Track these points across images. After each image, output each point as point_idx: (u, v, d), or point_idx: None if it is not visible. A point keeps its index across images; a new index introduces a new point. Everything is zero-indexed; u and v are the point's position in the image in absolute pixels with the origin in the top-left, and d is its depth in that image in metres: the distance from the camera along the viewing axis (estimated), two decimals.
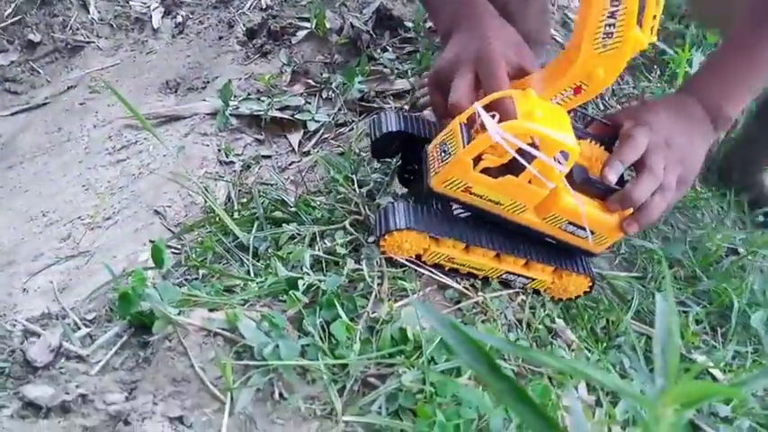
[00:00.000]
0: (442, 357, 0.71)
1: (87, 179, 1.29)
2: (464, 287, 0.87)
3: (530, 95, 0.74)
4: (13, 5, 1.92)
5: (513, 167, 0.75)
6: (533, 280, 0.89)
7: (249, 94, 1.35)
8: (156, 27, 1.81)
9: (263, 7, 1.66)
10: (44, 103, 1.70)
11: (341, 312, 0.73)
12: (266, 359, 0.68)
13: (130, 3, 1.95)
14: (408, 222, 0.80)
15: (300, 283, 0.79)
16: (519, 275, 0.88)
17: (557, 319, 0.89)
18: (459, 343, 0.40)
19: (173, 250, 1.02)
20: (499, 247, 0.85)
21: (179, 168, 1.17)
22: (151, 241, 1.02)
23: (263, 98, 1.32)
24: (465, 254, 0.85)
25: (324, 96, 1.34)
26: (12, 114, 1.72)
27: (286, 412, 0.65)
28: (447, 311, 0.81)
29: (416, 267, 0.85)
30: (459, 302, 0.84)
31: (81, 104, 1.59)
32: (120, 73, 1.69)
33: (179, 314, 0.72)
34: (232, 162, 1.20)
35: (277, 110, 1.30)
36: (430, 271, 0.87)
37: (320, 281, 0.79)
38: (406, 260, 0.85)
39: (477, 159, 0.76)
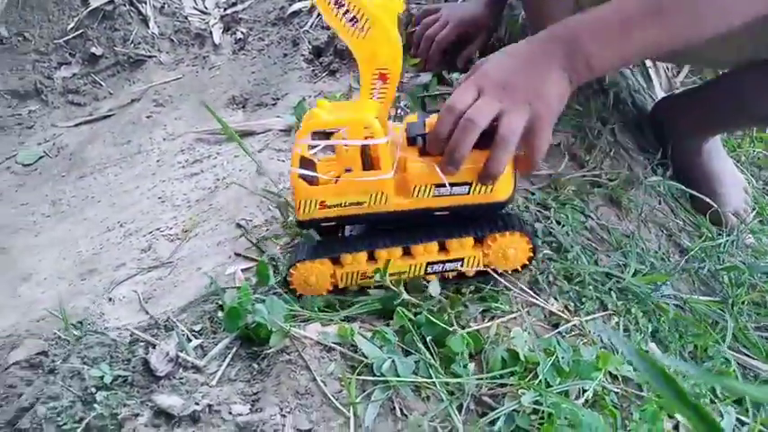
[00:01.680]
0: (555, 380, 0.71)
1: (163, 191, 1.31)
2: (558, 309, 0.88)
3: (323, 105, 0.78)
4: (75, 19, 1.97)
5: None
6: (463, 260, 0.83)
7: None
8: (217, 43, 1.85)
9: (326, 26, 1.69)
10: (108, 115, 1.74)
11: (451, 328, 0.74)
12: (385, 375, 0.69)
13: (189, 19, 2.00)
14: (303, 255, 0.83)
15: (396, 301, 0.80)
16: (444, 262, 0.83)
17: (649, 343, 0.89)
18: (647, 369, 0.41)
19: (257, 264, 1.04)
20: (398, 241, 0.83)
21: (257, 183, 1.19)
22: (238, 254, 1.04)
23: None
24: (373, 263, 0.83)
25: (391, 116, 1.35)
26: (76, 125, 1.76)
27: (408, 428, 0.66)
28: (548, 335, 0.82)
29: (507, 286, 0.86)
30: (557, 325, 0.85)
31: (148, 117, 1.62)
32: (183, 87, 1.73)
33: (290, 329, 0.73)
34: None
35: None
36: (520, 289, 0.87)
37: (417, 302, 0.80)
38: (328, 293, 0.85)
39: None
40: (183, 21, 1.98)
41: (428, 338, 0.75)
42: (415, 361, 0.72)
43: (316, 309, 0.81)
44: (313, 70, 1.51)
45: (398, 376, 0.69)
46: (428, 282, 0.83)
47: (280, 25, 1.84)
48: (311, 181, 0.80)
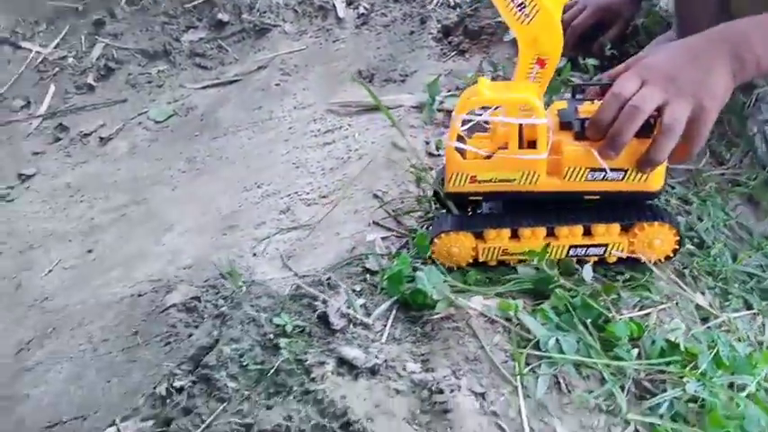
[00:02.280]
0: (715, 372, 0.72)
1: (297, 158, 1.37)
2: (705, 303, 0.88)
3: (484, 82, 0.79)
4: None
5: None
6: (608, 246, 0.83)
7: (451, 91, 1.39)
8: (341, 17, 1.89)
9: (452, 5, 1.70)
10: (235, 80, 1.82)
11: (609, 314, 0.76)
12: (549, 351, 0.72)
13: None
14: (447, 226, 0.85)
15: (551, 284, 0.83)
16: (588, 246, 0.83)
17: None
18: None
19: (394, 233, 1.08)
20: (544, 222, 0.83)
21: (391, 156, 1.23)
22: (376, 223, 1.08)
23: None
24: (516, 242, 0.84)
25: None
26: (203, 88, 1.85)
27: (573, 403, 0.69)
28: (697, 330, 0.82)
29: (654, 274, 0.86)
30: (705, 319, 0.86)
31: (276, 85, 1.68)
32: (308, 58, 1.78)
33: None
34: (441, 155, 1.25)
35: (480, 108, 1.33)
36: (669, 281, 0.88)
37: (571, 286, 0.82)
38: (468, 266, 0.87)
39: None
40: None
41: (587, 321, 0.77)
42: (576, 341, 0.74)
43: (471, 282, 0.84)
44: (441, 49, 1.53)
45: (563, 354, 0.72)
46: (580, 266, 0.85)
47: (402, 2, 1.86)
48: (463, 155, 0.82)
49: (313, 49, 1.81)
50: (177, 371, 0.77)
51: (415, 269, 0.83)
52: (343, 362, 0.69)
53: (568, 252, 0.85)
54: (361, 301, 0.82)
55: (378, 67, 1.59)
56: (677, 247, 0.85)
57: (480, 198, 0.86)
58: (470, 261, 0.87)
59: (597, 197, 0.81)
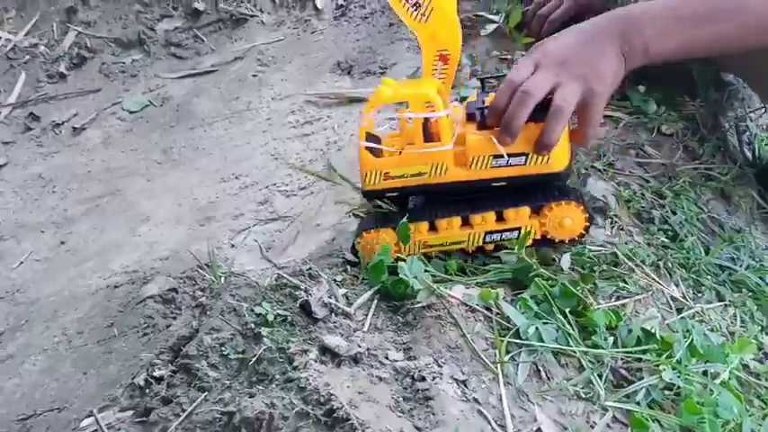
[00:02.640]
0: (689, 360, 0.74)
1: (275, 149, 1.36)
2: (679, 294, 0.90)
3: (388, 82, 0.82)
4: None
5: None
6: (520, 230, 0.85)
7: None
8: (319, 8, 1.88)
9: None
10: (211, 71, 1.79)
11: (589, 303, 0.78)
12: (530, 340, 0.73)
13: None
14: (369, 224, 0.89)
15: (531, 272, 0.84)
16: (502, 231, 0.86)
17: (765, 336, 0.91)
18: None
19: None
20: (457, 211, 0.86)
21: None
22: (356, 215, 1.08)
23: None
24: (435, 234, 0.87)
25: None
26: (179, 78, 1.82)
27: (552, 390, 0.70)
28: (672, 320, 0.84)
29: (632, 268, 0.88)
30: (680, 310, 0.88)
31: (254, 76, 1.67)
32: (286, 49, 1.77)
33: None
34: None
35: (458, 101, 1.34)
36: (644, 274, 0.90)
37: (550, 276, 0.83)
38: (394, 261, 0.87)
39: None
40: None
41: (566, 310, 0.78)
42: (555, 329, 0.75)
43: (452, 272, 0.85)
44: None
45: (542, 342, 0.73)
46: (558, 257, 0.87)
47: None
48: (376, 154, 0.84)
49: (291, 40, 1.80)
50: (156, 361, 0.76)
51: (397, 259, 0.83)
52: (325, 350, 0.69)
53: (484, 238, 0.87)
54: (342, 291, 0.82)
55: (357, 59, 1.59)
56: (587, 224, 0.87)
57: (396, 194, 0.87)
58: (394, 258, 0.87)
59: (504, 183, 0.83)
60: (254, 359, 0.69)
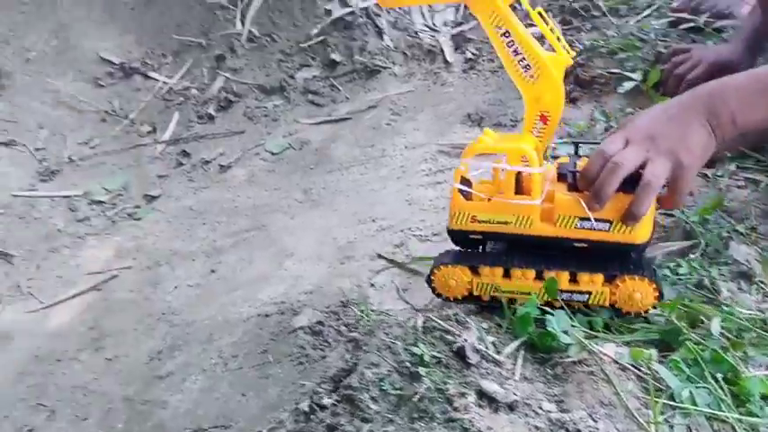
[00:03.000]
0: None
1: (409, 195, 1.44)
2: None
3: (489, 133, 0.89)
4: (318, 26, 2.19)
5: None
6: (591, 294, 0.87)
7: (562, 138, 1.43)
8: (449, 60, 1.97)
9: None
10: (346, 118, 1.92)
11: (743, 369, 0.77)
12: (684, 402, 0.74)
13: (420, 35, 2.15)
14: (447, 259, 0.92)
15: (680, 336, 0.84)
16: (573, 292, 0.87)
17: None
18: None
19: None
20: (535, 264, 0.87)
21: None
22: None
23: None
24: (508, 280, 0.89)
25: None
26: (317, 123, 1.96)
27: None
28: None
29: None
30: None
31: (387, 125, 1.77)
32: (417, 100, 1.87)
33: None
34: None
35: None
36: None
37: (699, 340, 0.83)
38: (463, 299, 0.93)
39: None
40: (414, 36, 2.13)
41: (717, 375, 0.78)
42: (707, 394, 0.76)
43: (597, 328, 0.87)
44: None
45: (695, 405, 0.74)
46: (707, 319, 0.87)
47: None
48: (467, 197, 0.89)
49: (421, 91, 1.90)
50: (319, 389, 0.83)
51: (542, 311, 0.87)
52: (482, 395, 0.74)
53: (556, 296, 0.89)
54: (490, 338, 0.86)
55: (487, 111, 1.65)
56: (656, 301, 0.87)
57: (480, 237, 0.91)
58: (465, 294, 0.93)
59: (585, 245, 0.86)
60: (415, 397, 0.74)
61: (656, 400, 0.73)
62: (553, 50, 0.86)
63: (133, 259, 1.63)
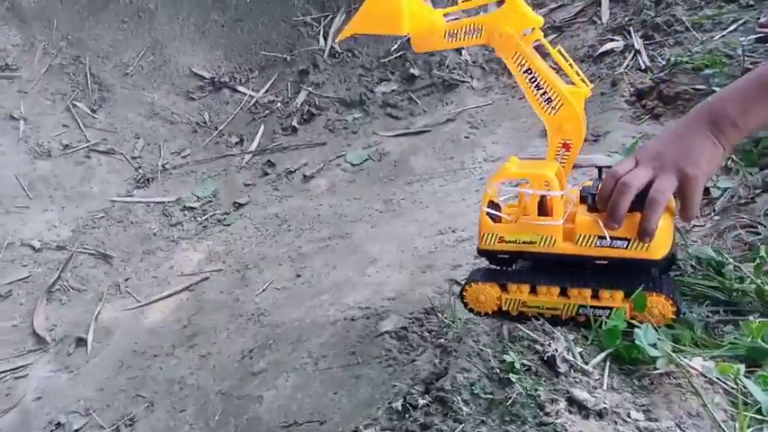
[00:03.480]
0: None
1: None
2: None
3: (514, 161, 0.94)
4: (398, 42, 2.25)
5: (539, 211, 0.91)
6: (611, 310, 0.90)
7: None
8: None
9: (644, 69, 1.75)
10: (424, 131, 1.97)
11: None
12: None
13: None
14: (478, 277, 0.98)
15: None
16: (594, 308, 0.91)
17: None
18: None
19: None
20: (559, 281, 0.92)
21: None
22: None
23: None
24: (534, 296, 0.94)
25: (725, 165, 1.37)
26: (395, 136, 2.02)
27: None
28: None
29: None
30: None
31: (466, 137, 1.81)
32: (495, 113, 1.90)
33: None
34: None
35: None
36: None
37: None
38: (493, 314, 0.98)
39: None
40: (491, 51, 2.17)
41: None
42: None
43: (684, 343, 0.88)
44: (634, 112, 1.59)
45: None
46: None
47: (589, 63, 1.93)
48: (495, 219, 0.95)
49: (500, 105, 1.93)
50: (412, 390, 0.88)
51: (629, 325, 0.89)
52: (572, 402, 0.77)
53: (578, 310, 0.93)
54: (577, 349, 0.89)
55: None
56: (674, 317, 0.89)
57: (507, 257, 0.97)
58: (495, 309, 0.98)
59: (606, 262, 0.90)
60: (508, 401, 0.78)
61: (744, 413, 0.74)
62: (572, 84, 0.91)
63: (223, 262, 1.73)
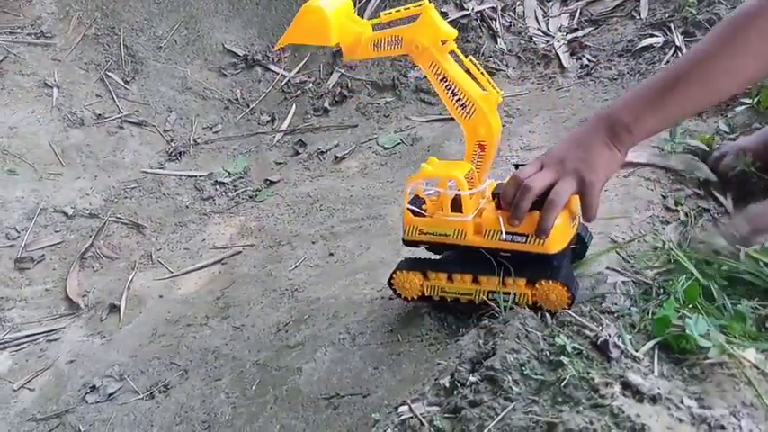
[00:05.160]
0: None
1: None
2: None
3: (433, 162, 1.04)
4: None
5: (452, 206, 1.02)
6: (516, 295, 1.01)
7: (685, 149, 1.43)
8: (565, 66, 1.99)
9: None
10: None
11: None
12: None
13: (534, 39, 2.17)
14: (403, 266, 1.10)
15: None
16: (501, 293, 1.02)
17: None
18: None
19: (631, 279, 1.14)
20: (472, 270, 1.04)
21: (625, 204, 1.30)
22: (613, 268, 1.15)
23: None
24: (450, 283, 1.06)
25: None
26: (428, 121, 2.02)
27: None
28: None
29: None
30: None
31: (502, 126, 1.81)
32: (531, 103, 1.90)
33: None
34: (676, 210, 1.30)
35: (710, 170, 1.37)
36: None
37: None
38: (418, 299, 1.10)
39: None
40: (528, 41, 2.16)
41: None
42: None
43: (736, 335, 0.89)
44: None
45: None
46: None
47: (628, 57, 1.93)
48: (416, 214, 1.05)
49: (536, 95, 1.93)
50: (459, 368, 0.89)
51: (681, 315, 0.90)
52: (626, 386, 0.78)
53: (488, 295, 1.04)
54: (628, 335, 0.89)
55: None
56: (569, 302, 0.99)
57: (427, 247, 1.09)
58: (419, 295, 1.10)
59: (509, 254, 1.01)
60: (562, 382, 0.79)
61: None
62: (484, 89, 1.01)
63: (255, 237, 1.75)
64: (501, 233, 0.99)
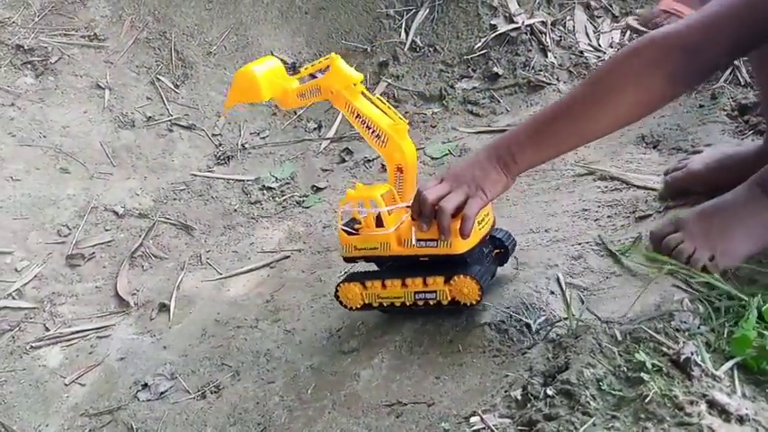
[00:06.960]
0: None
1: (584, 210, 1.46)
2: None
3: (359, 186, 1.18)
4: (482, 40, 2.25)
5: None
6: (437, 293, 1.13)
7: None
8: None
9: (743, 84, 1.71)
10: (506, 129, 1.97)
11: None
12: None
13: (585, 54, 2.16)
14: (344, 279, 1.23)
15: None
16: (426, 293, 1.14)
17: None
18: None
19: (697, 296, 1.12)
20: (399, 275, 1.16)
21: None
22: (677, 286, 1.13)
23: None
24: (384, 289, 1.18)
25: None
26: (476, 133, 2.02)
27: None
28: None
29: None
30: None
31: None
32: None
33: None
34: None
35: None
36: None
37: None
38: (361, 308, 1.22)
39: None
40: (578, 55, 2.15)
41: None
42: None
43: None
44: (737, 126, 1.56)
45: None
46: None
47: None
48: (350, 233, 1.18)
49: None
50: (532, 381, 0.88)
51: (759, 335, 0.88)
52: (712, 405, 0.76)
53: (415, 296, 1.16)
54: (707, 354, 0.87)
55: (663, 134, 1.65)
56: (480, 293, 1.12)
57: (364, 261, 1.20)
58: (362, 304, 1.22)
59: (426, 258, 1.13)
60: (644, 399, 0.77)
61: None
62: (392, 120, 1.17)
63: (303, 243, 1.75)
64: (415, 241, 1.10)
